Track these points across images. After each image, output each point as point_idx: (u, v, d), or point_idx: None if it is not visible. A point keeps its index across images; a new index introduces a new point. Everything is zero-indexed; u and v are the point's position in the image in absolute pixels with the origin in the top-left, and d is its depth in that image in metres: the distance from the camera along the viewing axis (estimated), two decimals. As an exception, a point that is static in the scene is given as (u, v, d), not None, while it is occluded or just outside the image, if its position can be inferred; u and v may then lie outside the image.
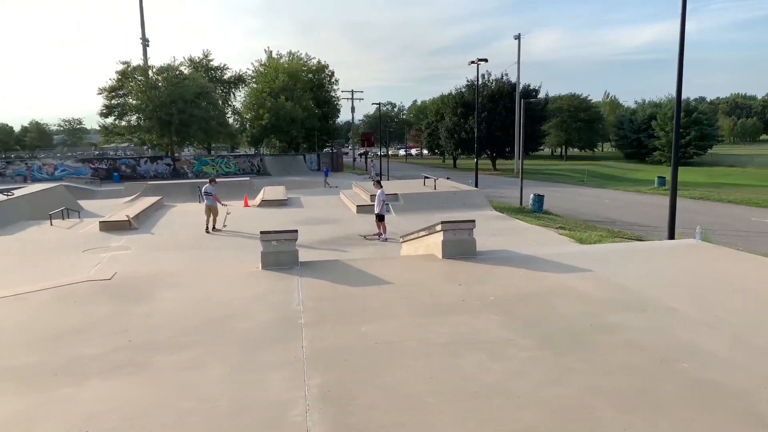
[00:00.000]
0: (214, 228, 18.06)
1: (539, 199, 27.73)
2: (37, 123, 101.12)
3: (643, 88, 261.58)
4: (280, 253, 9.49)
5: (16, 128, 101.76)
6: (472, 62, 35.50)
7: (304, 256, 9.93)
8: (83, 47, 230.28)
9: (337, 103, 73.42)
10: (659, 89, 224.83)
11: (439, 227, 10.01)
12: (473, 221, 10.09)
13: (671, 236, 17.40)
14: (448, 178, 30.99)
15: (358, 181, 35.01)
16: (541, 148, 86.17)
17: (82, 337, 6.46)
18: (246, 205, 25.27)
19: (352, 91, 76.25)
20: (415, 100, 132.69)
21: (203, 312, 7.39)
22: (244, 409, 4.68)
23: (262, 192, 27.74)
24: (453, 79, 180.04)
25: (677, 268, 9.34)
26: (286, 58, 69.20)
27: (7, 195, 23.41)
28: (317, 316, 7.02)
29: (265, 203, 24.95)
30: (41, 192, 25.92)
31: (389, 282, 8.58)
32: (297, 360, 5.62)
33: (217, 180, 20.54)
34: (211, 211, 18.11)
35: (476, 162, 37.41)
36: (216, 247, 15.10)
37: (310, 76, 69.59)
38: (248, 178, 38.25)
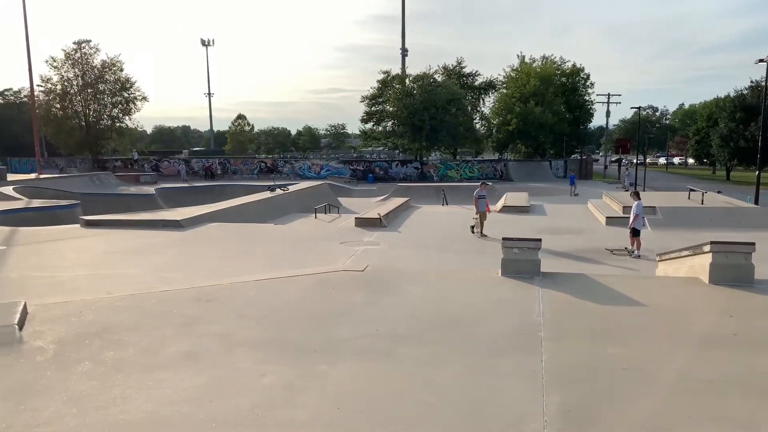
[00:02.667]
0: (480, 233, 18.35)
1: (844, 222, 22.57)
2: (309, 128, 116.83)
3: None
4: (521, 261, 9.30)
5: (293, 132, 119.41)
6: (761, 60, 30.56)
7: (545, 266, 9.57)
8: (349, 60, 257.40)
9: (590, 108, 69.58)
10: None
11: (707, 247, 8.80)
12: (752, 244, 8.67)
13: None
14: (719, 192, 27.14)
15: (609, 190, 32.65)
16: None
17: (337, 321, 7.16)
18: (488, 210, 25.46)
19: (608, 95, 71.65)
20: (682, 104, 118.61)
21: (443, 310, 7.61)
22: (480, 414, 4.66)
23: (503, 198, 27.66)
24: (730, 80, 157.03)
25: None
26: (539, 63, 67.96)
27: (284, 190, 27.51)
28: (558, 330, 6.69)
29: (507, 209, 24.80)
30: (309, 188, 29.90)
31: (641, 304, 7.80)
32: (536, 373, 5.42)
33: (487, 183, 20.80)
34: (481, 215, 18.62)
35: (758, 175, 32.08)
36: (456, 249, 15.46)
37: (563, 80, 67.26)
38: (490, 183, 38.46)
